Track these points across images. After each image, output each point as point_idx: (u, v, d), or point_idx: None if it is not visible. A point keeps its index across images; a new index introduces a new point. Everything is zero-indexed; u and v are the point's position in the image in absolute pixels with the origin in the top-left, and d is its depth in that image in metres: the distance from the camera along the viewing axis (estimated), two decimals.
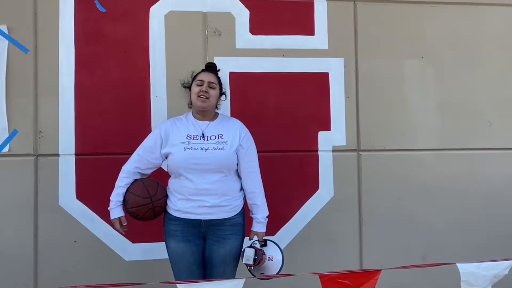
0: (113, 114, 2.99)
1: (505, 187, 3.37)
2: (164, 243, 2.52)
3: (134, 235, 2.92)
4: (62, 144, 2.94)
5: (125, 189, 2.43)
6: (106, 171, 2.93)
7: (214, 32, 3.11)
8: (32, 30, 2.94)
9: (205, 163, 2.37)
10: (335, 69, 3.22)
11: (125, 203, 2.43)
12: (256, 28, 3.14)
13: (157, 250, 2.83)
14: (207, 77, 2.50)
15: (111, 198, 2.45)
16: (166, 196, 2.47)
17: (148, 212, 2.40)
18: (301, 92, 3.17)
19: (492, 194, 3.35)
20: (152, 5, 3.05)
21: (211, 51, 3.08)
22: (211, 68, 2.61)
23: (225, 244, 2.41)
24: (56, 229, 2.90)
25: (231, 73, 3.08)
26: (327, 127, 3.19)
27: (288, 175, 3.12)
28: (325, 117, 3.20)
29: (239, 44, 3.12)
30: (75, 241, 2.93)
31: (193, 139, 2.42)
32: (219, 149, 2.40)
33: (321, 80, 3.20)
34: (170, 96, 3.02)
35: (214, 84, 2.49)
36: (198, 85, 2.46)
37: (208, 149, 2.39)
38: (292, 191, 3.12)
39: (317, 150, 3.17)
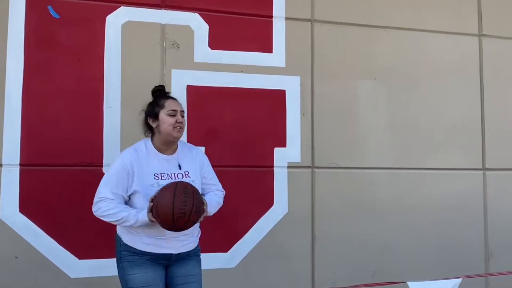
0: (63, 123, 2.87)
1: (453, 206, 3.51)
2: (113, 259, 2.37)
3: (80, 251, 2.80)
4: (6, 153, 2.78)
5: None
6: (53, 183, 2.82)
7: (172, 44, 3.08)
8: None
9: None
10: (291, 87, 3.27)
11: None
12: (215, 42, 3.14)
13: (105, 267, 2.73)
14: (178, 106, 2.38)
15: (131, 219, 2.21)
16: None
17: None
18: (258, 108, 3.19)
19: (440, 213, 3.48)
20: (109, 14, 2.98)
21: (169, 64, 3.05)
22: (161, 91, 2.42)
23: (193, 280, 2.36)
24: None
25: (188, 86, 3.05)
26: (283, 144, 3.22)
27: (244, 191, 3.10)
28: (281, 134, 3.23)
29: (197, 58, 3.11)
30: (16, 257, 2.76)
31: (161, 179, 2.27)
32: None
33: (278, 97, 3.24)
34: (124, 107, 2.95)
35: (183, 113, 2.39)
36: (171, 115, 2.32)
37: None
38: (247, 207, 3.11)
39: (272, 166, 3.19)
